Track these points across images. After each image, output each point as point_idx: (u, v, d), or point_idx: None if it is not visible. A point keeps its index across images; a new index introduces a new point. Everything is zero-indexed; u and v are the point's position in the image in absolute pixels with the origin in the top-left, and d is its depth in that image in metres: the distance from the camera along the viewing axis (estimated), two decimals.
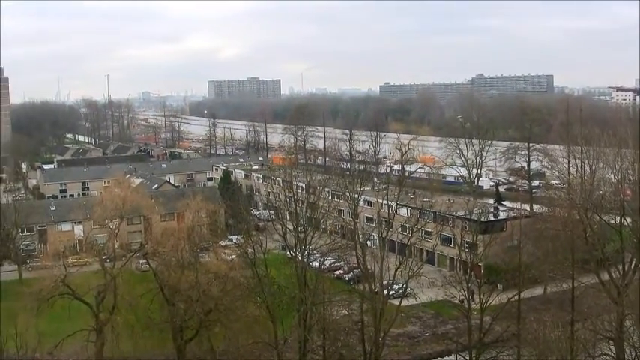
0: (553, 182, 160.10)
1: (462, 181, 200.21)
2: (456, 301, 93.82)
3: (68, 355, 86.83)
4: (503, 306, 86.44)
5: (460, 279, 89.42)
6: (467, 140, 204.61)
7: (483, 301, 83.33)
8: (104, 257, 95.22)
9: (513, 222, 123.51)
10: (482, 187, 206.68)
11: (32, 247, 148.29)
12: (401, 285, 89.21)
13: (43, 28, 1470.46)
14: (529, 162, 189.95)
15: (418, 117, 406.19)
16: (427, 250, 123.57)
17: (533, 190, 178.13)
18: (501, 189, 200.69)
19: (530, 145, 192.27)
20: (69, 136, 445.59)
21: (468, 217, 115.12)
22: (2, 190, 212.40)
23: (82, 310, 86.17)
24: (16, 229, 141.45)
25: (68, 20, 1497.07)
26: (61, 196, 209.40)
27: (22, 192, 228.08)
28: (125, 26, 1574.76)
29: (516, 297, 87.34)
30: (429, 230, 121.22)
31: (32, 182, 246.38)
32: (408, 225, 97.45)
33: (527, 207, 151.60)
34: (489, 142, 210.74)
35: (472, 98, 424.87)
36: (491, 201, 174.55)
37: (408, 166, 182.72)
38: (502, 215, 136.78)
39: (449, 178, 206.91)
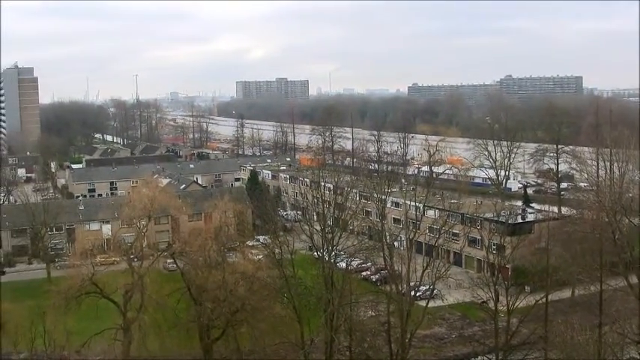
0: (582, 184, 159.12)
1: (489, 182, 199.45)
2: (483, 303, 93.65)
3: (96, 353, 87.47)
4: (531, 308, 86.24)
5: (487, 281, 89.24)
6: (495, 142, 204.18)
7: (510, 303, 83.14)
8: (132, 256, 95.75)
9: (541, 224, 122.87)
10: (511, 188, 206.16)
11: (61, 246, 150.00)
12: (428, 286, 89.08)
13: (73, 28, 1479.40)
14: (557, 164, 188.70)
15: (446, 118, 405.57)
16: (454, 252, 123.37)
17: (562, 193, 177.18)
18: (529, 191, 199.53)
19: (559, 146, 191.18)
20: (97, 135, 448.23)
21: (496, 218, 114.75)
22: (31, 189, 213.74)
23: (109, 308, 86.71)
24: (44, 228, 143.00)
25: (98, 21, 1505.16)
26: (90, 196, 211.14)
27: (51, 191, 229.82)
28: (154, 27, 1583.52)
29: (544, 299, 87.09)
30: (457, 232, 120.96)
31: (61, 182, 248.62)
32: (435, 226, 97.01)
33: (555, 209, 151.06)
34: (518, 143, 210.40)
35: (500, 99, 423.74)
36: (520, 203, 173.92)
37: (436, 167, 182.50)
38: (530, 217, 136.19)
39: (477, 180, 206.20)
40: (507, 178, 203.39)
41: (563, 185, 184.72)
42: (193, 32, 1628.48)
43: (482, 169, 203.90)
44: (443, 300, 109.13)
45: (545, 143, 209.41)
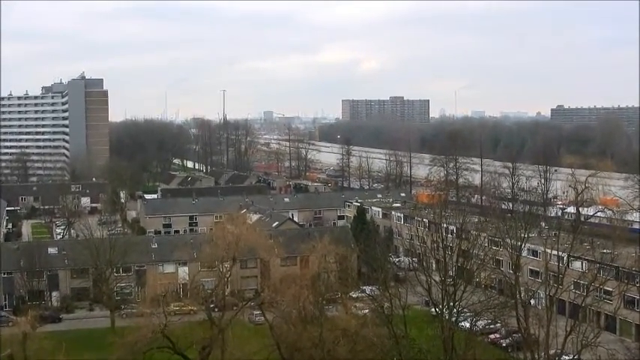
0: None
1: None
2: None
3: None
4: None
5: None
6: None
7: None
8: (212, 306, 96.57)
9: None
10: None
11: (128, 291, 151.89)
12: (572, 356, 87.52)
13: (151, 34, 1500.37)
14: None
15: (598, 148, 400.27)
16: (606, 314, 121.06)
17: None
18: None
19: None
20: (176, 161, 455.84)
21: None
22: (96, 222, 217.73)
23: None
24: (110, 269, 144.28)
25: (179, 25, 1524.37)
26: (165, 232, 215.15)
27: (120, 225, 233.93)
28: (247, 33, 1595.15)
29: None
30: (610, 289, 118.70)
31: (131, 214, 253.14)
32: (582, 282, 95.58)
33: None
34: None
35: None
36: None
37: (585, 208, 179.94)
38: None
39: (635, 225, 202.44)
40: None
41: None
42: (294, 40, 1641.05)
43: None
44: None
45: None
